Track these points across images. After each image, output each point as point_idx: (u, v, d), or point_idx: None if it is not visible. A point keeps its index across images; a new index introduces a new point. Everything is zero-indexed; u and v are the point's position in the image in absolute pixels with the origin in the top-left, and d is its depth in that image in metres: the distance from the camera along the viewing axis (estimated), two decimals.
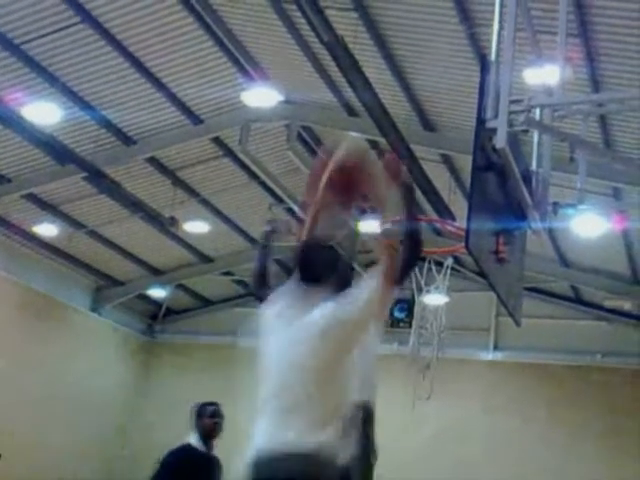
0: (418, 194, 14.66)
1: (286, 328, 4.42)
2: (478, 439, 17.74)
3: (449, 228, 13.37)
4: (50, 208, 16.13)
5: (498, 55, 5.77)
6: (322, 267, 4.57)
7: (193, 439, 7.90)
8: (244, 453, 4.24)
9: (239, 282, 20.36)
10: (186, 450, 7.91)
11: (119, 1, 11.34)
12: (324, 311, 4.36)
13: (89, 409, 18.64)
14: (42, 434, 17.22)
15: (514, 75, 5.75)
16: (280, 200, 16.13)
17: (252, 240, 18.25)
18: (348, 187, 4.71)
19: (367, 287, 4.38)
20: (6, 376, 16.52)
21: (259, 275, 5.11)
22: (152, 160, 15.02)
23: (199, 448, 7.87)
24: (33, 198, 15.74)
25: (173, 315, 21.61)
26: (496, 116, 5.59)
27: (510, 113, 5.65)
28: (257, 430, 4.28)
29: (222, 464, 8.16)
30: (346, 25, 10.83)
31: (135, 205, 15.84)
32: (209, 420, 7.93)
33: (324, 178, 4.67)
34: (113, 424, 19.62)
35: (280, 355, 4.38)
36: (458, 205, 13.84)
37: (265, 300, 4.86)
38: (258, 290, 5.06)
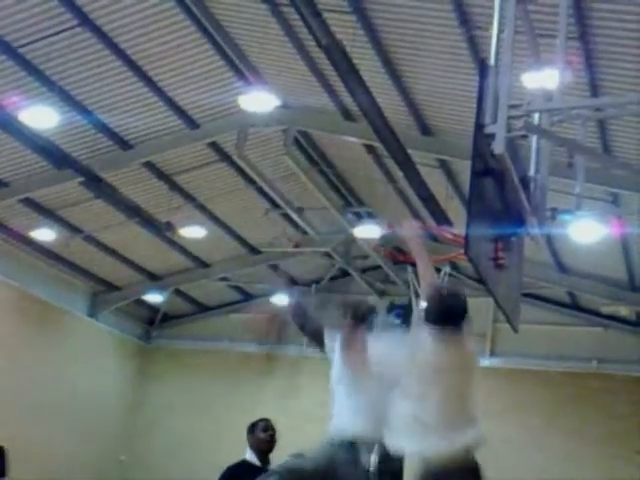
0: (415, 199, 14.63)
1: None
2: None
3: (447, 235, 13.32)
4: (47, 213, 16.06)
5: (497, 59, 5.73)
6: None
7: (248, 455, 7.96)
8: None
9: (235, 288, 20.30)
10: (243, 465, 7.97)
11: (117, 4, 11.30)
12: None
13: (86, 414, 18.60)
14: (38, 439, 17.14)
15: (513, 79, 5.71)
16: (276, 205, 16.09)
17: (248, 245, 18.19)
18: None
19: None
20: (2, 380, 16.48)
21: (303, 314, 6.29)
22: (148, 165, 14.97)
23: (255, 463, 7.92)
24: (30, 203, 15.68)
25: (169, 320, 21.56)
26: (495, 121, 5.53)
27: (509, 118, 5.60)
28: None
29: None
30: (344, 28, 10.76)
31: (131, 210, 15.80)
32: (263, 435, 7.98)
33: None
34: (110, 429, 19.57)
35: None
36: (455, 210, 13.80)
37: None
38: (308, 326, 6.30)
